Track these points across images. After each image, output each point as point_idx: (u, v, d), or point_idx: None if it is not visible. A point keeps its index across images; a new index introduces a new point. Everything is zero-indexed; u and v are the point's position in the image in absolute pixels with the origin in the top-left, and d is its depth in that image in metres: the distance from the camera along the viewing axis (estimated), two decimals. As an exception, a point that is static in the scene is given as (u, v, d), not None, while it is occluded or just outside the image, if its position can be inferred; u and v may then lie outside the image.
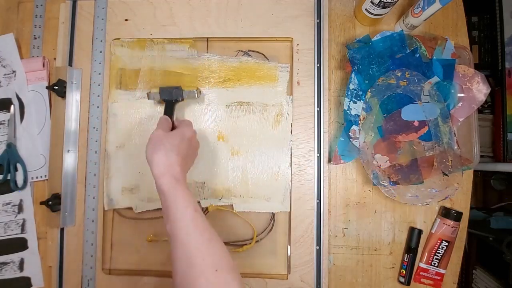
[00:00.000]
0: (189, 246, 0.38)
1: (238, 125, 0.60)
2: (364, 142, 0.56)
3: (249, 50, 0.61)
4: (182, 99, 0.56)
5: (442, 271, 0.58)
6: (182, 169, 0.44)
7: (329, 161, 0.59)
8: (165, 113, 0.55)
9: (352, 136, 0.57)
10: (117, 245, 0.59)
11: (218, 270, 0.37)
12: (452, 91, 0.57)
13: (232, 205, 0.58)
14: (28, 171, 0.61)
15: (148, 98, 0.58)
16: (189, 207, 0.40)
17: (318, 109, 0.59)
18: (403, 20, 0.59)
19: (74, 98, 0.60)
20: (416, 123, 0.56)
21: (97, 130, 0.60)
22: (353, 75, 0.57)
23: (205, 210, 0.59)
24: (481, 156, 0.88)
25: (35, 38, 0.64)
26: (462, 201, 0.60)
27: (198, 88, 0.57)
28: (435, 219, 0.59)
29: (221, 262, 0.38)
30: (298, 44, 0.60)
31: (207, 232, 0.40)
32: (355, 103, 0.57)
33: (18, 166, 0.60)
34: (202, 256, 0.37)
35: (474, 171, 0.60)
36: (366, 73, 0.57)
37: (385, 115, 0.57)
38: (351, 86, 0.57)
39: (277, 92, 0.60)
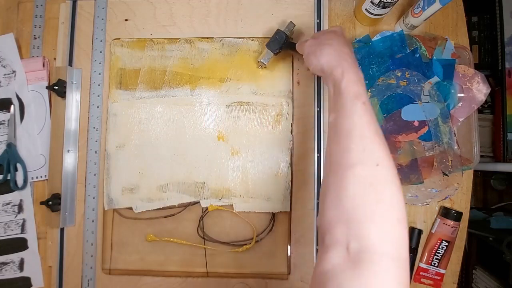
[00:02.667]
0: (351, 136, 0.35)
1: (238, 125, 0.60)
2: (364, 142, 0.56)
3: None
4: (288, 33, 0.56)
5: (442, 271, 0.58)
6: (352, 59, 0.42)
7: (329, 161, 0.59)
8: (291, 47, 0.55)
9: (352, 136, 0.57)
10: (117, 245, 0.59)
11: (379, 165, 0.33)
12: (452, 91, 0.57)
13: (232, 205, 0.58)
14: (28, 171, 0.61)
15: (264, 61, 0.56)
16: (359, 99, 0.37)
17: (318, 109, 0.59)
18: (403, 20, 0.59)
19: (74, 98, 0.60)
20: (416, 123, 0.56)
21: (97, 130, 0.60)
22: (353, 75, 0.57)
23: (205, 210, 0.59)
24: (481, 156, 0.88)
25: (35, 38, 0.64)
26: (462, 201, 0.60)
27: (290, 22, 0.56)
28: (435, 219, 0.59)
29: (383, 158, 0.33)
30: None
31: (373, 126, 0.35)
32: (355, 103, 0.57)
33: (18, 166, 0.60)
34: (363, 147, 0.34)
35: (474, 171, 0.60)
36: (366, 73, 0.57)
37: (385, 115, 0.57)
38: (351, 86, 0.57)
39: (277, 92, 0.60)
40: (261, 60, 0.56)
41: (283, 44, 0.55)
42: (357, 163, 0.33)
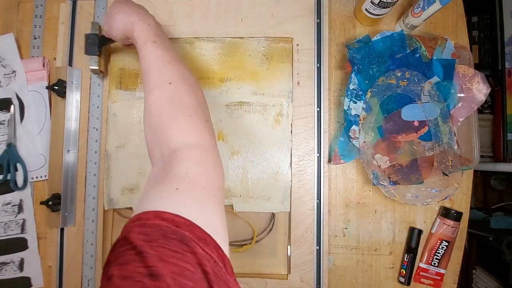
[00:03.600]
0: (149, 70, 0.40)
1: (238, 125, 0.60)
2: (364, 142, 0.56)
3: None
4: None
5: (442, 271, 0.58)
6: (139, 12, 0.47)
7: (329, 161, 0.59)
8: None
9: (352, 136, 0.57)
10: (117, 245, 0.59)
11: (172, 83, 0.38)
12: (452, 91, 0.57)
13: (232, 205, 0.58)
14: (28, 171, 0.61)
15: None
16: (148, 40, 0.42)
17: (318, 109, 0.59)
18: (403, 20, 0.59)
19: (74, 98, 0.60)
20: (416, 123, 0.56)
21: (97, 130, 0.60)
22: (353, 75, 0.57)
23: (205, 210, 0.59)
24: (481, 156, 0.88)
25: (35, 38, 0.64)
26: (462, 201, 0.60)
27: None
28: (435, 219, 0.60)
29: (174, 76, 0.39)
30: (298, 44, 0.60)
31: (165, 57, 0.41)
32: (355, 103, 0.57)
33: (18, 166, 0.60)
34: (157, 74, 0.39)
35: (474, 171, 0.60)
36: (366, 73, 0.57)
37: (385, 115, 0.57)
38: (351, 86, 0.58)
39: (277, 92, 0.60)
40: (92, 68, 0.56)
41: (99, 43, 0.55)
42: (154, 88, 0.38)
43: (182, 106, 0.37)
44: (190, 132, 0.35)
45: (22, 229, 0.60)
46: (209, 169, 0.33)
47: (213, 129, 0.38)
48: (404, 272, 0.58)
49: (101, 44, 0.55)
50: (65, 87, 0.59)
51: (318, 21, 0.60)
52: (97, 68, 0.56)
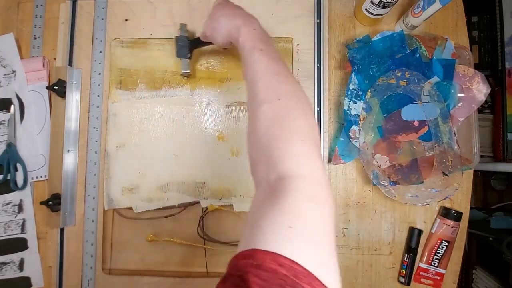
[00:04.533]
0: (255, 80, 0.37)
1: (238, 125, 0.60)
2: (364, 142, 0.56)
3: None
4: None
5: (442, 271, 0.58)
6: (245, 16, 0.45)
7: (329, 161, 0.59)
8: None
9: (352, 136, 0.57)
10: (117, 245, 0.59)
11: (281, 99, 0.35)
12: (452, 91, 0.57)
13: (232, 205, 0.58)
14: (28, 171, 0.61)
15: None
16: (255, 48, 0.39)
17: (318, 109, 0.59)
18: (403, 20, 0.59)
19: (74, 98, 0.60)
20: (416, 123, 0.56)
21: (97, 130, 0.60)
22: (353, 75, 0.57)
23: (205, 210, 0.59)
24: (481, 156, 0.88)
25: (35, 38, 0.64)
26: (462, 201, 0.60)
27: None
28: (435, 219, 0.59)
29: (284, 92, 0.36)
30: (298, 44, 0.60)
31: (273, 66, 0.38)
32: (355, 103, 0.57)
33: (18, 166, 0.60)
34: (265, 87, 0.36)
35: (474, 171, 0.60)
36: (366, 73, 0.57)
37: (385, 115, 0.57)
38: (351, 86, 0.57)
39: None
40: (183, 70, 0.56)
41: (190, 46, 0.55)
42: (262, 102, 0.35)
43: (293, 128, 0.34)
44: (301, 159, 0.32)
45: (22, 229, 0.60)
46: (322, 206, 0.30)
47: (321, 156, 0.35)
48: (404, 272, 0.58)
49: (192, 47, 0.55)
50: (65, 87, 0.59)
51: (318, 21, 0.60)
52: (188, 71, 0.56)
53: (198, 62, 0.61)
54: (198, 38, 0.54)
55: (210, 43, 0.52)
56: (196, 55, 0.58)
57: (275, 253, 0.24)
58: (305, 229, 0.27)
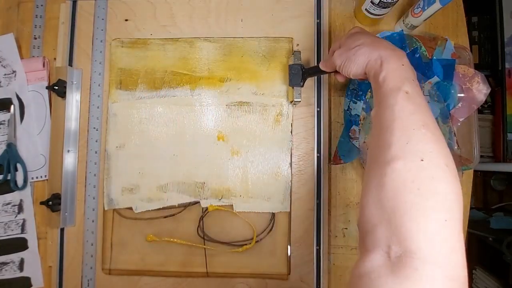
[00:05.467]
0: (391, 128, 0.31)
1: (238, 125, 0.60)
2: (364, 142, 0.56)
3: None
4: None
5: (442, 271, 0.58)
6: (389, 47, 0.38)
7: (329, 161, 0.59)
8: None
9: (352, 136, 0.57)
10: (117, 245, 0.59)
11: (424, 160, 0.29)
12: (452, 91, 0.57)
13: (232, 205, 0.58)
14: (28, 171, 0.61)
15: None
16: (400, 88, 0.33)
17: (318, 109, 0.59)
18: (403, 20, 0.59)
19: (74, 98, 0.60)
20: (416, 123, 0.56)
21: (97, 130, 0.60)
22: (353, 75, 0.57)
23: (205, 210, 0.59)
24: (481, 156, 0.88)
25: (35, 38, 0.64)
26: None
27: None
28: (435, 219, 0.59)
29: (430, 152, 0.29)
30: (298, 44, 0.60)
31: (419, 116, 0.32)
32: (355, 103, 0.57)
33: (18, 166, 0.60)
34: (405, 140, 0.30)
35: (474, 171, 0.60)
36: (366, 73, 0.57)
37: (385, 115, 0.57)
38: (351, 86, 0.57)
39: (277, 92, 0.60)
40: (295, 99, 0.55)
41: (303, 74, 0.54)
42: (397, 158, 0.29)
43: (435, 200, 0.27)
44: (441, 244, 0.26)
45: (22, 229, 0.60)
46: None
47: (464, 249, 0.27)
48: (404, 272, 0.58)
49: (306, 75, 0.54)
50: (65, 87, 0.59)
51: (318, 21, 0.60)
52: (300, 100, 0.55)
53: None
54: (315, 67, 0.51)
55: (324, 72, 0.49)
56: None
57: None
58: None
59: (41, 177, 0.61)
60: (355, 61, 0.40)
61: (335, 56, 0.44)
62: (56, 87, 0.58)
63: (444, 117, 0.56)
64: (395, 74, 0.35)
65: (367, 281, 0.27)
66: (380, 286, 0.26)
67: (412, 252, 0.26)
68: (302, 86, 0.55)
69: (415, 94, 0.33)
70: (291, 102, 0.57)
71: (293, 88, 0.55)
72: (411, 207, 0.27)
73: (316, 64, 0.53)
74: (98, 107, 0.60)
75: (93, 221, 0.58)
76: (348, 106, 0.57)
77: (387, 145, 0.31)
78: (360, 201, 0.32)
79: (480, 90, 0.57)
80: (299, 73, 0.54)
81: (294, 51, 0.56)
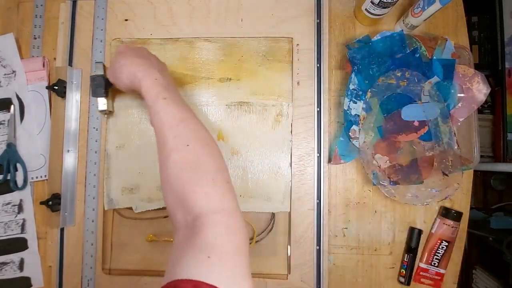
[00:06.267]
0: (162, 130, 0.40)
1: (238, 125, 0.60)
2: (364, 142, 0.56)
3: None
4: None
5: (442, 271, 0.58)
6: (146, 65, 0.46)
7: (329, 161, 0.59)
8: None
9: (352, 136, 0.57)
10: (117, 245, 0.59)
11: (189, 145, 0.38)
12: (452, 91, 0.57)
13: (232, 205, 0.58)
14: (28, 171, 0.61)
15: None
16: (158, 97, 0.41)
17: (318, 109, 0.59)
18: (403, 20, 0.59)
19: (74, 98, 0.60)
20: (416, 123, 0.56)
21: (97, 130, 0.60)
22: (353, 75, 0.57)
23: (205, 210, 0.59)
24: (481, 156, 0.88)
25: (35, 38, 0.64)
26: (462, 201, 0.60)
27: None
28: (435, 219, 0.60)
29: (190, 138, 0.39)
30: (298, 44, 0.60)
31: (178, 114, 0.41)
32: (355, 103, 0.57)
33: (18, 166, 0.60)
34: (173, 135, 0.39)
35: (474, 171, 0.60)
36: (366, 73, 0.57)
37: (385, 115, 0.57)
38: (351, 86, 0.57)
39: (277, 92, 0.60)
40: (101, 109, 0.56)
41: (105, 85, 0.54)
42: (171, 150, 0.38)
43: (203, 170, 0.37)
44: (213, 197, 0.35)
45: (22, 229, 0.60)
46: (236, 235, 0.33)
47: (234, 190, 0.38)
48: (404, 272, 0.58)
49: (108, 85, 0.54)
50: (65, 87, 0.59)
51: (318, 21, 0.60)
52: (105, 109, 0.56)
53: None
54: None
55: None
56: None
57: (196, 281, 0.27)
58: (221, 257, 0.30)
59: (41, 177, 0.61)
60: (120, 79, 0.47)
61: (107, 74, 0.52)
62: (56, 87, 0.58)
63: (444, 117, 0.56)
64: (152, 87, 0.43)
65: (174, 248, 0.34)
66: (181, 245, 0.33)
67: (198, 213, 0.34)
68: (106, 96, 0.56)
69: (171, 97, 0.42)
70: (100, 111, 0.57)
71: (97, 99, 0.56)
72: (189, 183, 0.36)
73: None
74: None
75: (93, 221, 0.58)
76: (348, 106, 0.57)
77: (163, 143, 0.39)
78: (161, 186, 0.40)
79: (480, 90, 0.57)
80: (102, 84, 0.54)
81: (96, 62, 0.57)
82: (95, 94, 0.55)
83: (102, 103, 0.56)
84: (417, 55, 0.57)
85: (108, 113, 0.59)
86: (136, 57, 0.47)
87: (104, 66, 0.55)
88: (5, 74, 0.62)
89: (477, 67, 0.59)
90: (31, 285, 0.60)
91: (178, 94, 0.44)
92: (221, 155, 0.40)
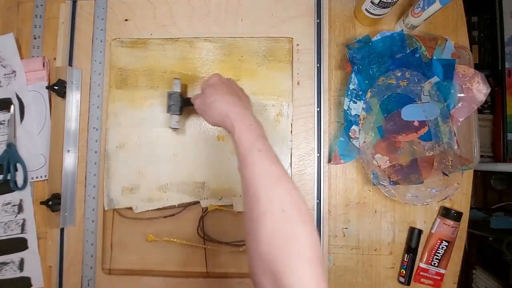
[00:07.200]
0: (255, 186, 0.36)
1: (238, 125, 0.59)
2: (364, 142, 0.56)
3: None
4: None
5: (442, 271, 0.58)
6: (239, 106, 0.43)
7: (329, 161, 0.59)
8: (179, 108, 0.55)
9: (352, 136, 0.57)
10: (117, 245, 0.59)
11: (285, 211, 0.34)
12: (452, 91, 0.57)
13: (232, 205, 0.58)
14: (28, 171, 0.61)
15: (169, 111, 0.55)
16: (253, 147, 0.38)
17: (318, 109, 0.59)
18: (403, 20, 0.59)
19: (74, 98, 0.60)
20: (416, 123, 0.56)
21: (97, 130, 0.60)
22: (353, 75, 0.57)
23: (205, 210, 0.59)
24: (481, 156, 0.88)
25: (35, 38, 0.64)
26: (462, 201, 0.60)
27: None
28: (435, 219, 0.59)
29: (288, 203, 0.35)
30: (298, 44, 0.60)
31: (274, 172, 0.37)
32: (355, 103, 0.57)
33: (18, 166, 0.60)
34: (268, 197, 0.35)
35: (474, 171, 0.60)
36: (366, 73, 0.57)
37: (385, 115, 0.57)
38: (351, 86, 0.57)
39: (277, 92, 0.60)
40: (172, 127, 0.56)
41: (182, 103, 0.55)
42: (265, 213, 0.34)
43: (298, 245, 0.33)
44: (308, 281, 0.32)
45: (22, 229, 0.60)
46: None
47: (325, 273, 0.35)
48: (404, 272, 0.58)
49: (184, 104, 0.55)
50: (65, 87, 0.59)
51: (318, 21, 0.60)
52: (178, 128, 0.56)
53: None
54: (189, 99, 0.53)
55: None
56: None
57: None
58: None
59: (41, 177, 0.61)
60: (210, 115, 0.45)
61: (195, 105, 0.49)
62: (56, 87, 0.58)
63: (444, 117, 0.56)
64: (246, 135, 0.39)
65: None
66: None
67: None
68: (180, 114, 0.55)
69: (266, 149, 0.38)
70: (170, 127, 0.57)
71: (171, 116, 0.55)
72: (282, 255, 0.32)
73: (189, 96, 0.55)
74: (98, 107, 0.60)
75: (93, 221, 0.58)
76: (348, 106, 0.57)
77: (255, 201, 0.35)
78: (246, 243, 0.37)
79: (480, 90, 0.57)
80: (178, 102, 0.54)
81: (175, 78, 0.56)
82: (170, 111, 0.54)
83: (175, 121, 0.55)
84: (417, 55, 0.57)
85: (177, 129, 0.58)
86: (227, 94, 0.45)
87: (181, 83, 0.54)
88: (5, 74, 0.62)
89: (477, 67, 0.59)
90: (31, 285, 0.60)
91: (269, 144, 0.40)
92: (313, 221, 0.37)
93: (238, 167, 0.39)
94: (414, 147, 0.56)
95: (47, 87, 0.61)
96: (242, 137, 0.39)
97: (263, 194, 0.35)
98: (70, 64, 0.61)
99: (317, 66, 0.59)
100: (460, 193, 0.59)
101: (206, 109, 0.46)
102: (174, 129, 0.57)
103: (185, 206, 0.59)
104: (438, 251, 0.58)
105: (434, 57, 0.57)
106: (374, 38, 0.58)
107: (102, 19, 0.62)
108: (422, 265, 0.59)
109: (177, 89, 0.55)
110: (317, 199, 0.57)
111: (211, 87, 0.46)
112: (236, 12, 0.61)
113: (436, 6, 0.52)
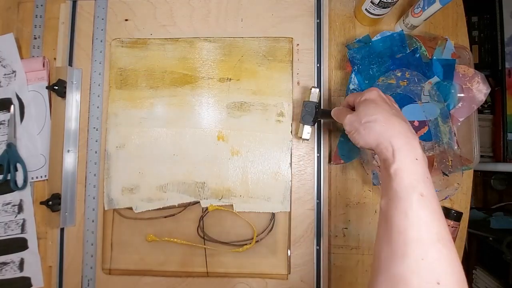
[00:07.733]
0: (407, 236, 0.29)
1: (238, 125, 0.60)
2: (364, 142, 0.56)
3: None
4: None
5: (442, 271, 0.58)
6: (404, 133, 0.35)
7: (329, 161, 0.59)
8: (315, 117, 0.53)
9: (352, 136, 0.57)
10: (117, 245, 0.59)
11: (440, 283, 0.28)
12: (452, 91, 0.57)
13: (232, 205, 0.58)
14: (28, 171, 0.60)
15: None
16: (415, 189, 0.31)
17: (318, 109, 0.59)
18: (403, 20, 0.59)
19: (74, 98, 0.60)
20: (416, 123, 0.56)
21: (97, 130, 0.60)
22: (353, 75, 0.57)
23: (205, 210, 0.59)
24: (481, 156, 0.88)
25: (35, 38, 0.64)
26: (462, 201, 0.60)
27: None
28: (435, 219, 0.59)
29: (446, 273, 0.28)
30: (298, 44, 0.60)
31: (435, 227, 0.30)
32: (355, 103, 0.57)
33: (18, 166, 0.60)
34: (420, 255, 0.28)
35: (474, 171, 0.60)
36: (366, 73, 0.57)
37: (385, 115, 0.57)
38: (351, 86, 0.57)
39: (277, 92, 0.60)
40: (303, 137, 0.54)
41: (316, 114, 0.53)
42: (412, 276, 0.28)
43: None
44: None
45: (22, 229, 0.60)
46: None
47: None
48: (404, 272, 0.58)
49: (318, 116, 0.52)
50: (65, 87, 0.59)
51: (318, 21, 0.60)
52: (308, 139, 0.54)
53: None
54: (328, 111, 0.48)
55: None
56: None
57: None
58: None
59: (41, 177, 0.61)
60: (364, 136, 0.38)
61: (346, 120, 0.41)
62: (56, 87, 0.58)
63: (444, 117, 0.56)
64: (409, 170, 0.32)
65: None
66: None
67: None
68: (313, 125, 0.54)
69: (430, 196, 0.31)
70: (299, 138, 0.55)
71: (303, 125, 0.53)
72: None
73: (328, 108, 0.51)
74: (98, 107, 0.60)
75: (93, 221, 0.58)
76: (348, 106, 0.57)
77: (400, 254, 0.29)
78: None
79: (480, 90, 0.57)
80: (313, 112, 0.52)
81: (313, 87, 0.54)
82: (303, 120, 0.53)
83: (306, 131, 0.53)
84: (417, 55, 0.57)
85: (303, 141, 0.56)
86: (393, 115, 0.37)
87: (320, 94, 0.51)
88: (5, 74, 0.62)
89: (477, 67, 0.59)
90: (31, 285, 0.60)
91: (434, 189, 0.32)
92: None
93: (381, 204, 0.33)
94: (414, 147, 0.56)
95: (47, 87, 0.61)
96: (403, 173, 0.32)
97: (412, 253, 0.28)
98: (70, 64, 0.61)
99: (317, 66, 0.59)
100: (460, 193, 0.59)
101: (362, 128, 0.38)
102: (305, 140, 0.54)
103: (185, 206, 0.59)
104: (438, 251, 0.58)
105: (434, 57, 0.57)
106: (374, 38, 0.58)
107: (102, 19, 0.62)
108: (422, 265, 0.59)
109: (314, 98, 0.53)
110: (317, 199, 0.57)
111: (372, 103, 0.39)
112: (236, 12, 0.61)
113: (436, 6, 0.52)
